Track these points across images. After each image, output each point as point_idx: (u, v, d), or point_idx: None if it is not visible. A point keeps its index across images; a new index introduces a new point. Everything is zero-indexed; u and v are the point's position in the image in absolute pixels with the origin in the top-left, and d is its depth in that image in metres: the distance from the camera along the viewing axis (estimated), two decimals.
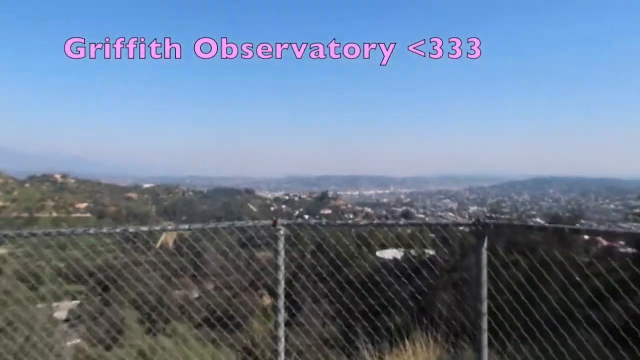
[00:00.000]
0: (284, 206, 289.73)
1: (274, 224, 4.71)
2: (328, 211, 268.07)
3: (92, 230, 3.52)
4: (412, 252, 74.23)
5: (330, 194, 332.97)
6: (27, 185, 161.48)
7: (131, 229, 4.22)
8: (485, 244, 4.53)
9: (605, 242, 70.13)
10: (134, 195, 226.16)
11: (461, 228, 6.16)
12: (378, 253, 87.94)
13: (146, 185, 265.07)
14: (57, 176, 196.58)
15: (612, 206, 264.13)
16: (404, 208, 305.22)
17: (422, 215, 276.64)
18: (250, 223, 4.78)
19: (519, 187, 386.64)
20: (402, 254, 76.66)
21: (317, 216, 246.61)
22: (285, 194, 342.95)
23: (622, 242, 64.72)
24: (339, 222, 5.56)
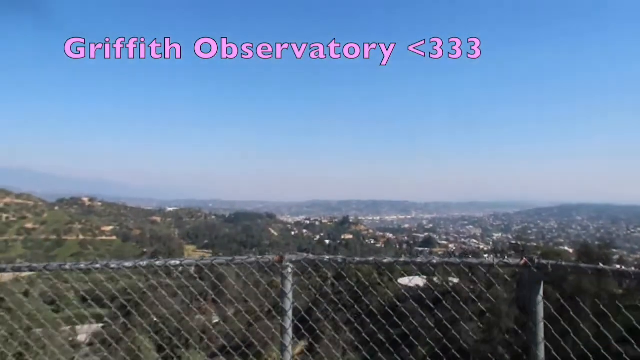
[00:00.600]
0: (305, 231, 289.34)
1: (280, 260, 4.07)
2: (349, 236, 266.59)
3: (113, 265, 3.40)
4: (435, 279, 72.62)
5: (351, 218, 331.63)
6: (56, 208, 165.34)
7: (158, 263, 3.97)
8: (542, 291, 3.86)
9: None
10: (158, 218, 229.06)
11: (507, 268, 4.42)
12: (400, 280, 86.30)
13: (170, 209, 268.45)
14: (85, 199, 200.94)
15: None
16: (427, 234, 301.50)
17: (444, 242, 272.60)
18: (253, 259, 4.13)
19: (545, 213, 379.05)
20: (424, 281, 75.04)
21: (338, 241, 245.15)
22: (307, 219, 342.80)
23: None
24: (357, 259, 4.52)
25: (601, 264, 3.66)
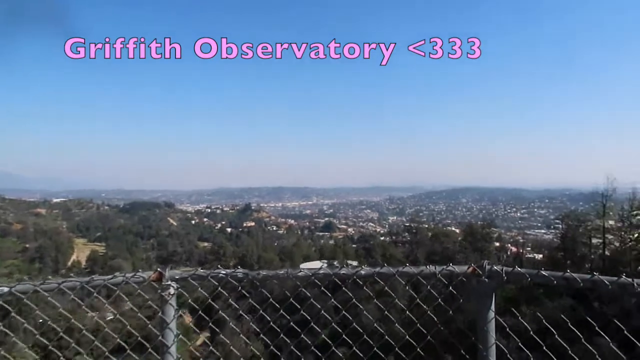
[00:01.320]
0: (205, 219, 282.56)
1: (159, 278, 2.89)
2: (252, 224, 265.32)
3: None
4: (336, 263, 75.08)
5: (253, 206, 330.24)
6: None
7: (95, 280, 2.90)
8: (493, 304, 3.11)
9: (514, 249, 74.28)
10: (42, 210, 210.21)
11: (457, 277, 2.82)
12: (302, 265, 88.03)
13: (56, 200, 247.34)
14: None
15: (518, 214, 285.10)
16: (327, 219, 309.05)
17: (344, 226, 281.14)
18: (120, 278, 2.86)
19: (435, 197, 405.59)
20: (325, 265, 77.15)
21: (240, 229, 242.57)
22: (208, 207, 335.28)
23: (528, 248, 68.43)
24: (262, 273, 3.21)
25: (543, 272, 2.81)
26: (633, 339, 3.03)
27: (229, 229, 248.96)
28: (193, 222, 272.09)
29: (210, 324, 4.45)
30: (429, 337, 3.36)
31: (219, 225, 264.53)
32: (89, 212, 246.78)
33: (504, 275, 2.92)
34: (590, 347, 3.10)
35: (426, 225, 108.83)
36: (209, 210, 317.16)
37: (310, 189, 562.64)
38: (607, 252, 49.85)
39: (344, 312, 3.98)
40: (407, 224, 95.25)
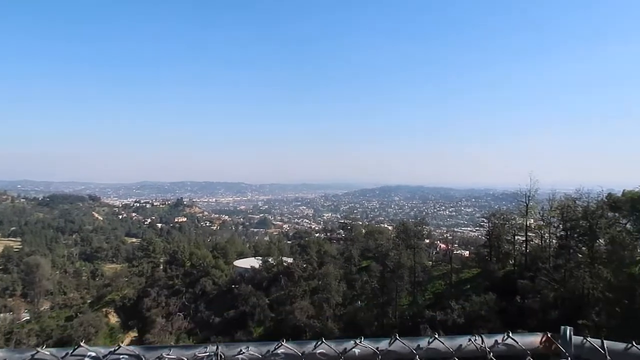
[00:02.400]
0: (134, 214, 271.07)
1: None
2: (183, 219, 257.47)
3: None
4: (271, 260, 73.62)
5: (185, 201, 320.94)
6: None
7: None
8: None
9: (443, 246, 76.61)
10: None
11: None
12: (236, 262, 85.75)
13: None
14: None
15: (447, 212, 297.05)
16: (262, 215, 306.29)
17: (279, 222, 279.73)
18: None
19: (368, 194, 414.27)
20: (259, 262, 75.64)
21: (171, 224, 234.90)
22: (136, 201, 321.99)
23: (456, 245, 70.62)
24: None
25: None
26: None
27: (159, 224, 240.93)
28: (120, 216, 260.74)
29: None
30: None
31: (149, 220, 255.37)
32: (2, 205, 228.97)
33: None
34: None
35: (360, 222, 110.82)
36: (138, 205, 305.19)
37: (245, 184, 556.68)
38: (528, 249, 52.75)
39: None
40: (342, 221, 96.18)
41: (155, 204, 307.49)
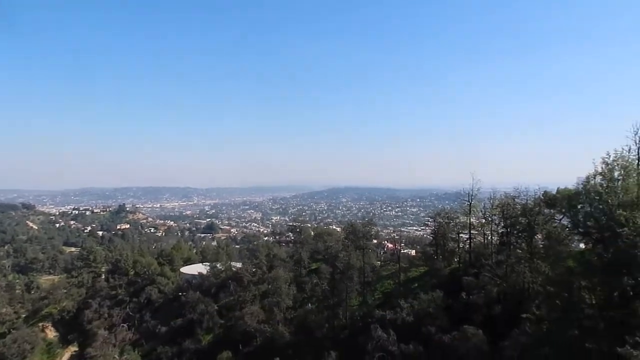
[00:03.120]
0: (72, 222, 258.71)
1: None
2: (126, 226, 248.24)
3: None
4: (219, 265, 72.22)
5: (128, 207, 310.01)
6: None
7: None
8: None
9: (390, 245, 77.75)
10: None
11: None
12: (182, 269, 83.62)
13: None
14: None
15: (393, 212, 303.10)
16: (209, 220, 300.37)
17: (227, 227, 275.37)
18: None
19: (317, 196, 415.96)
20: (207, 268, 74.09)
21: (113, 232, 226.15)
22: (75, 208, 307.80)
23: (403, 244, 72.10)
24: None
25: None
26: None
27: (100, 232, 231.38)
28: (57, 225, 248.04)
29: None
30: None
31: (89, 228, 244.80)
32: None
33: None
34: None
35: (309, 225, 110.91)
36: (77, 212, 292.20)
37: (191, 189, 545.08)
38: (472, 247, 54.50)
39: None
40: (291, 224, 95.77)
41: (95, 210, 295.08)
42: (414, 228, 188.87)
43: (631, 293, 20.41)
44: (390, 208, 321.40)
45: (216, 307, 62.41)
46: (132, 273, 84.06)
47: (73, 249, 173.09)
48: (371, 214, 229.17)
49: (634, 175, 22.36)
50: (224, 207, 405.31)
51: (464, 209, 56.17)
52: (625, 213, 20.15)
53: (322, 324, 51.01)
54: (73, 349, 68.83)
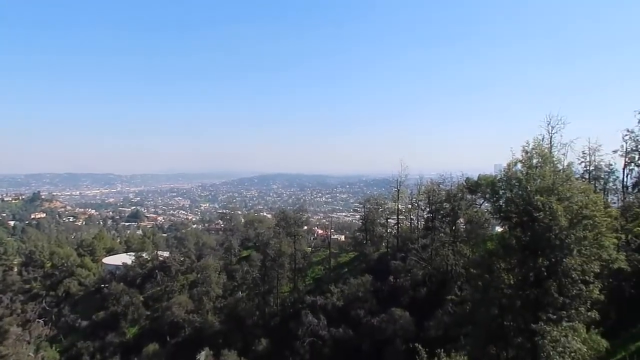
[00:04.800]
0: None
1: None
2: (42, 215, 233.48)
3: None
4: (145, 255, 69.69)
5: (43, 194, 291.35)
6: None
7: None
8: None
9: (320, 231, 78.46)
10: None
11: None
12: (105, 260, 79.72)
13: None
14: None
15: (323, 199, 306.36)
16: (134, 208, 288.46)
17: (153, 215, 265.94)
18: None
19: (247, 183, 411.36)
20: (132, 258, 71.14)
21: (27, 221, 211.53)
22: None
23: (333, 230, 72.73)
24: None
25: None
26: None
27: (11, 222, 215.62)
28: None
29: None
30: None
31: None
32: None
33: None
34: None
35: (239, 212, 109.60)
36: None
37: (113, 175, 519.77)
38: (400, 232, 56.28)
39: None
40: (221, 211, 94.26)
41: (6, 199, 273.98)
42: (344, 214, 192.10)
43: (545, 273, 21.82)
44: (320, 194, 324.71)
45: (142, 299, 60.11)
46: (48, 265, 78.96)
47: None
48: (302, 200, 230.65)
49: (550, 162, 23.84)
50: (149, 194, 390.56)
51: (392, 195, 57.82)
52: (542, 198, 21.42)
53: (253, 311, 50.68)
54: None
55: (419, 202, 55.07)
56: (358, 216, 74.46)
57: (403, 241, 54.69)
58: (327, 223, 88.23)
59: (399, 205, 57.24)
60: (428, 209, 52.82)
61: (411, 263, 46.88)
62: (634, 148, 42.22)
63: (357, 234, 62.57)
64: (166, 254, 71.64)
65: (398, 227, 56.89)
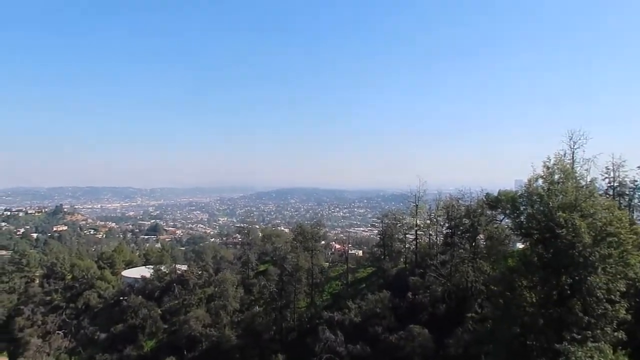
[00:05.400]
0: (4, 224, 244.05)
1: None
2: (63, 228, 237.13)
3: None
4: (163, 268, 70.00)
5: (66, 207, 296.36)
6: None
7: None
8: None
9: (338, 246, 77.82)
10: None
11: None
12: (124, 273, 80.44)
13: None
14: None
15: (341, 213, 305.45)
16: (153, 221, 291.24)
17: (172, 228, 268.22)
18: None
19: (265, 197, 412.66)
20: (151, 271, 71.64)
21: (49, 234, 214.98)
22: (7, 209, 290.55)
23: (350, 245, 72.01)
24: None
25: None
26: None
27: (34, 234, 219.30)
28: None
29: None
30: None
31: (22, 230, 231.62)
32: None
33: None
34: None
35: (257, 226, 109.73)
36: (9, 213, 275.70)
37: (133, 189, 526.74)
38: (418, 247, 55.64)
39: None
40: (238, 225, 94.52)
41: (29, 211, 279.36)
42: (362, 229, 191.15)
43: (569, 291, 21.33)
44: (338, 209, 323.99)
45: (160, 312, 60.34)
46: (69, 277, 79.93)
47: (4, 252, 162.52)
48: (319, 214, 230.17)
49: (572, 178, 23.45)
50: (168, 208, 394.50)
51: (411, 210, 57.30)
52: (564, 215, 21.04)
53: (270, 326, 50.41)
54: (3, 359, 64.61)
55: (438, 218, 54.42)
56: (376, 231, 73.85)
57: (422, 257, 54.00)
58: (344, 238, 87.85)
59: (418, 221, 56.66)
60: (447, 225, 52.12)
61: (430, 279, 46.19)
62: None
63: (375, 249, 62.05)
64: (184, 267, 71.96)
65: (417, 242, 56.27)
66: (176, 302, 61.60)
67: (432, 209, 56.05)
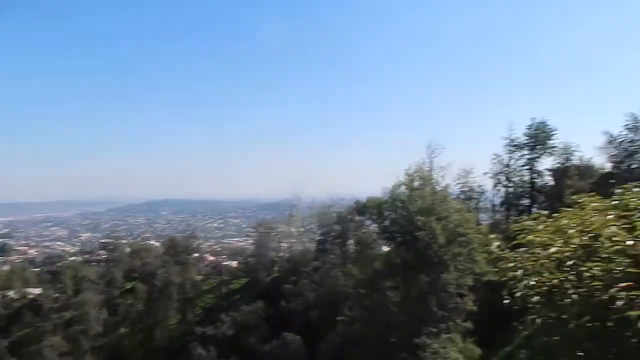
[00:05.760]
0: None
1: None
2: None
3: None
4: (11, 293, 62.70)
5: None
6: None
7: None
8: None
9: (212, 258, 76.16)
10: None
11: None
12: None
13: None
14: None
15: (215, 224, 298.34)
16: (0, 241, 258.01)
17: (24, 247, 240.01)
18: None
19: (134, 210, 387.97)
20: None
21: None
22: None
23: (224, 256, 71.06)
24: None
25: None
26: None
27: None
28: None
29: None
30: None
31: None
32: None
33: None
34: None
35: (124, 241, 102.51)
36: None
37: None
38: (292, 255, 56.43)
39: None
40: (103, 241, 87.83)
41: None
42: (236, 239, 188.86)
43: (426, 289, 23.17)
44: (212, 220, 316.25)
45: (7, 343, 53.43)
46: None
47: None
48: (192, 226, 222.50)
49: (429, 184, 25.59)
50: (20, 225, 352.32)
51: (285, 219, 58.12)
52: (422, 218, 22.87)
53: (137, 347, 47.37)
54: None
55: (311, 225, 55.84)
56: (251, 241, 73.43)
57: (295, 265, 54.82)
58: (218, 249, 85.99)
59: (292, 229, 57.60)
60: (319, 232, 53.74)
61: (303, 286, 47.05)
62: (499, 170, 46.92)
63: (249, 259, 61.64)
64: (38, 290, 64.80)
65: (290, 250, 57.04)
66: (27, 331, 55.05)
67: (305, 217, 57.39)
